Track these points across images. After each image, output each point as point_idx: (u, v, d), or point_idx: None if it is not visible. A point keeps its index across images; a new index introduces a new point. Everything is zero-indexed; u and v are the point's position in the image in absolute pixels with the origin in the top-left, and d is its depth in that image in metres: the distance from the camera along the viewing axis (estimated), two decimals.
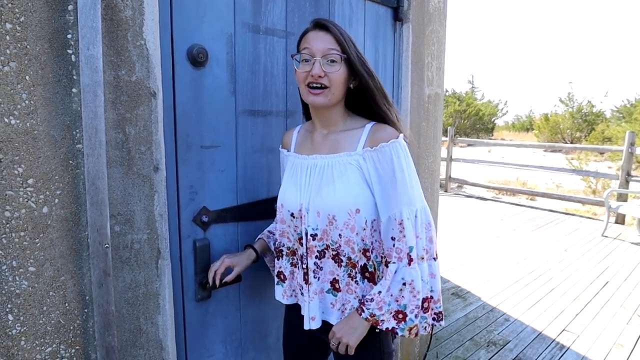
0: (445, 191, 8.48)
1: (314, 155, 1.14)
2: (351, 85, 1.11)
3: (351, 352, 1.10)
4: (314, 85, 1.05)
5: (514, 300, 3.35)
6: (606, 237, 5.20)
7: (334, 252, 1.12)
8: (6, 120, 0.91)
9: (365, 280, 1.13)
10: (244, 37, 1.26)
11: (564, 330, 2.87)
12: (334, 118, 1.14)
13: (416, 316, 1.05)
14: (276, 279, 1.26)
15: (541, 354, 2.57)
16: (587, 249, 4.73)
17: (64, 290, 1.03)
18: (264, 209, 1.38)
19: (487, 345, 2.65)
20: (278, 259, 1.26)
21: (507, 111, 31.15)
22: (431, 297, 1.09)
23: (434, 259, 1.10)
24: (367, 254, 1.12)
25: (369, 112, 1.14)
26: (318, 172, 1.11)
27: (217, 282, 1.20)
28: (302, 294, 1.18)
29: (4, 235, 0.93)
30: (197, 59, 1.15)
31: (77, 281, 1.04)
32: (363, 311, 1.07)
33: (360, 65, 1.07)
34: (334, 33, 1.05)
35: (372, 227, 1.11)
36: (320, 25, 1.07)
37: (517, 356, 2.53)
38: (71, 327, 1.05)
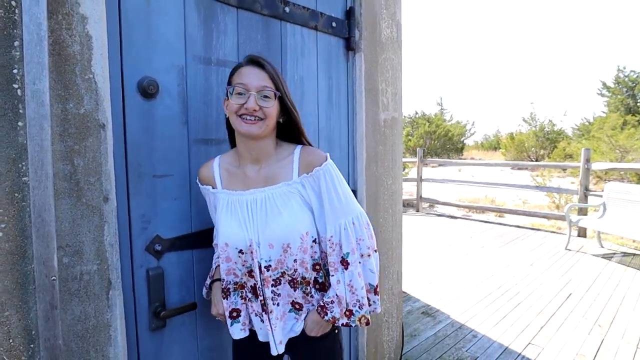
0: (417, 211, 8.63)
1: (251, 190, 1.17)
2: (280, 120, 1.18)
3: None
4: (248, 117, 1.10)
5: (482, 316, 3.42)
6: (569, 250, 5.40)
7: (290, 278, 1.19)
8: None
9: (318, 292, 1.24)
10: (195, 69, 1.31)
11: (529, 344, 2.94)
12: (265, 149, 1.18)
13: (360, 308, 1.17)
14: (229, 321, 1.23)
15: None
16: (552, 262, 4.89)
17: (8, 326, 1.00)
18: None
19: None
20: (226, 299, 1.22)
21: (474, 131, 32.29)
22: (377, 286, 1.21)
23: (375, 251, 1.22)
24: (317, 267, 1.22)
25: (296, 138, 1.24)
26: (260, 205, 1.15)
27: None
28: (262, 321, 1.21)
29: None
30: (148, 90, 1.18)
31: (22, 315, 1.02)
32: (326, 314, 1.18)
33: (289, 102, 1.16)
34: (268, 71, 1.12)
35: (318, 242, 1.21)
36: (255, 62, 1.13)
37: None
38: None
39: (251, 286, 1.20)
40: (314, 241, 1.19)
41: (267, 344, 1.22)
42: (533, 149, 18.80)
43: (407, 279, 4.35)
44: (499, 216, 8.19)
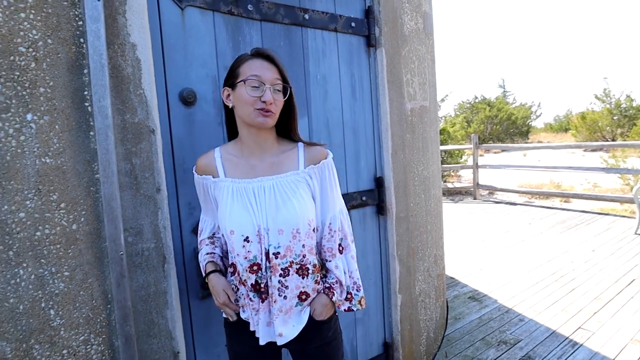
0: (475, 198, 8.42)
1: (258, 178, 1.20)
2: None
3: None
4: (268, 109, 1.14)
5: (532, 301, 3.38)
6: (639, 235, 5.05)
7: (298, 266, 1.21)
8: (43, 159, 1.21)
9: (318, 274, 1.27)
10: None
11: (579, 328, 2.88)
12: (270, 139, 1.24)
13: (358, 290, 1.29)
14: (261, 295, 1.22)
15: (552, 351, 2.61)
16: (617, 247, 4.63)
17: (91, 290, 1.30)
18: None
19: (498, 345, 2.72)
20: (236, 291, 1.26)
21: (540, 113, 30.15)
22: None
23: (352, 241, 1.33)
24: (315, 253, 1.28)
25: (287, 132, 1.30)
26: (269, 192, 1.18)
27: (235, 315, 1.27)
28: (257, 311, 1.22)
29: (45, 247, 1.22)
30: (188, 99, 1.43)
31: (100, 282, 1.31)
32: (333, 294, 1.26)
33: (292, 94, 1.23)
34: (278, 65, 1.18)
35: (315, 231, 1.27)
36: (266, 56, 1.18)
37: (526, 354, 2.59)
38: (98, 320, 1.32)
39: (251, 284, 1.20)
40: (314, 230, 1.24)
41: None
42: (608, 128, 17.28)
43: (457, 265, 4.36)
44: (565, 201, 7.76)
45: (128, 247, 1.34)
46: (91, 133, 1.27)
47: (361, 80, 1.96)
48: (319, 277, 1.28)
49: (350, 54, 1.91)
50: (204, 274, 1.30)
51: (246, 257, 1.19)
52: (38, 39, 1.19)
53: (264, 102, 1.13)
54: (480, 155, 8.79)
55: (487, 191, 8.98)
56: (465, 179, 11.32)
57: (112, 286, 1.30)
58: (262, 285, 1.20)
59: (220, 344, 1.58)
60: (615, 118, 17.19)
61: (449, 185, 9.25)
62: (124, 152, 1.32)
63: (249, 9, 1.55)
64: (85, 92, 1.26)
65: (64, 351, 1.27)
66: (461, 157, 11.28)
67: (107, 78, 1.24)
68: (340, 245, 1.28)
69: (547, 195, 7.84)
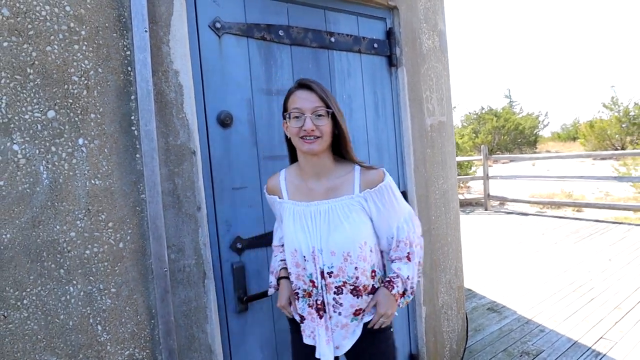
0: (486, 209, 8.41)
1: (315, 202, 1.29)
2: (336, 132, 1.29)
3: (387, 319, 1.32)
4: (307, 137, 1.23)
5: (551, 311, 3.38)
6: None
7: (352, 287, 1.28)
8: (93, 181, 1.28)
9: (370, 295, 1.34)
10: (260, 100, 1.61)
11: (601, 338, 2.88)
12: (325, 164, 1.30)
13: (411, 294, 1.36)
14: (318, 312, 1.32)
15: None
16: (634, 257, 4.60)
17: (136, 306, 1.35)
18: None
19: (520, 356, 2.73)
20: (297, 300, 1.36)
21: (548, 122, 30.10)
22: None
23: (421, 236, 1.40)
24: (373, 274, 1.34)
25: (341, 152, 1.34)
26: (323, 216, 1.27)
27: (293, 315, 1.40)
28: (322, 328, 1.31)
29: (93, 265, 1.28)
30: (225, 121, 1.50)
31: (145, 298, 1.36)
32: (393, 287, 1.31)
33: (340, 116, 1.28)
34: (317, 92, 1.24)
35: (376, 249, 1.36)
36: (304, 85, 1.26)
37: None
38: (142, 335, 1.37)
39: (315, 299, 1.31)
40: (371, 250, 1.31)
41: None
42: (617, 136, 17.22)
43: (473, 276, 4.37)
44: (577, 211, 7.73)
45: (171, 263, 1.40)
46: (137, 155, 1.34)
47: (384, 98, 2.03)
48: (368, 295, 1.34)
49: (374, 73, 1.98)
50: (275, 277, 1.45)
51: (300, 277, 1.33)
52: (90, 68, 1.27)
53: (304, 130, 1.22)
54: (489, 166, 8.80)
55: (498, 202, 8.97)
56: (474, 190, 11.31)
57: (157, 302, 1.36)
58: (319, 303, 1.30)
59: (254, 358, 1.62)
60: (624, 126, 17.14)
61: (460, 196, 9.25)
62: (167, 172, 1.39)
63: (280, 34, 1.63)
64: (132, 117, 1.33)
65: None
66: (470, 168, 11.30)
67: (153, 103, 1.32)
68: (409, 254, 1.33)
69: (559, 205, 7.81)
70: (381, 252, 1.41)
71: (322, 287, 1.28)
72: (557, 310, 3.40)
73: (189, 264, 1.43)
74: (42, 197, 1.20)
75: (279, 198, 1.37)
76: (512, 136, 21.12)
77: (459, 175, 10.61)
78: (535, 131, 22.96)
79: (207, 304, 1.46)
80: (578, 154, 8.07)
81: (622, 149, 16.73)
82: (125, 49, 1.32)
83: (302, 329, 1.37)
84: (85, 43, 1.26)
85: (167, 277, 1.35)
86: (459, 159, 10.23)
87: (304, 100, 1.24)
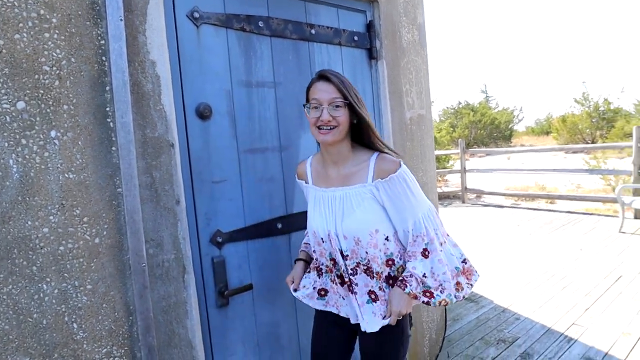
0: (463, 202, 8.58)
1: (332, 189, 1.37)
2: (354, 121, 1.34)
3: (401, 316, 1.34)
4: (323, 127, 1.29)
5: (526, 300, 3.48)
6: (623, 232, 5.23)
7: (365, 267, 1.35)
8: (66, 175, 1.23)
9: (390, 286, 1.36)
10: (239, 92, 1.58)
11: (573, 324, 2.99)
12: (342, 152, 1.36)
13: (442, 291, 1.32)
14: (316, 295, 1.48)
15: (549, 347, 2.70)
16: (603, 246, 4.79)
17: (113, 303, 1.32)
18: (267, 229, 1.66)
19: (497, 343, 2.80)
20: (319, 277, 1.47)
21: (523, 117, 30.88)
22: (462, 268, 1.36)
23: (447, 235, 1.39)
24: (389, 262, 1.36)
25: (364, 141, 1.39)
26: (338, 202, 1.34)
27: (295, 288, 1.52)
28: (343, 298, 1.43)
29: (68, 262, 1.25)
30: (204, 113, 1.47)
31: (123, 295, 1.33)
32: (406, 286, 1.30)
33: (357, 106, 1.31)
34: (335, 83, 1.29)
35: (395, 238, 1.36)
36: (323, 76, 1.32)
37: (525, 351, 2.68)
38: (120, 332, 1.34)
39: (336, 274, 1.40)
40: (387, 239, 1.33)
41: (347, 319, 1.43)
42: (588, 130, 17.80)
43: None
44: (550, 203, 7.97)
45: (149, 258, 1.37)
46: (113, 148, 1.30)
47: (364, 91, 2.03)
48: (381, 284, 1.36)
49: (354, 66, 1.98)
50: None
51: (322, 254, 1.43)
52: (62, 57, 1.22)
53: (321, 120, 1.29)
54: (466, 160, 8.97)
55: (475, 195, 9.16)
56: (452, 183, 11.51)
57: (135, 298, 1.33)
58: (347, 279, 1.38)
59: (236, 352, 1.61)
60: (594, 121, 17.73)
61: (438, 189, 9.40)
62: (145, 166, 1.35)
63: (260, 25, 1.61)
64: (108, 109, 1.29)
65: None
66: (448, 162, 11.49)
67: (129, 95, 1.28)
68: (425, 249, 1.31)
69: (534, 197, 8.04)
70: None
71: (343, 265, 1.37)
72: (531, 298, 3.51)
73: (168, 258, 1.40)
74: (12, 191, 1.16)
75: (305, 183, 1.48)
76: (488, 130, 21.55)
77: (437, 168, 10.77)
78: (510, 125, 23.48)
79: (187, 299, 1.44)
80: (551, 147, 8.32)
81: (593, 142, 17.31)
82: (99, 38, 1.27)
83: (326, 300, 1.48)
84: (57, 31, 1.21)
85: (145, 273, 1.33)
86: (437, 152, 10.38)
87: (322, 92, 1.29)
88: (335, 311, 1.47)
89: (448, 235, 1.39)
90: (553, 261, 4.41)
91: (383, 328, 1.35)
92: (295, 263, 1.58)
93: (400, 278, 1.32)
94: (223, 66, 1.54)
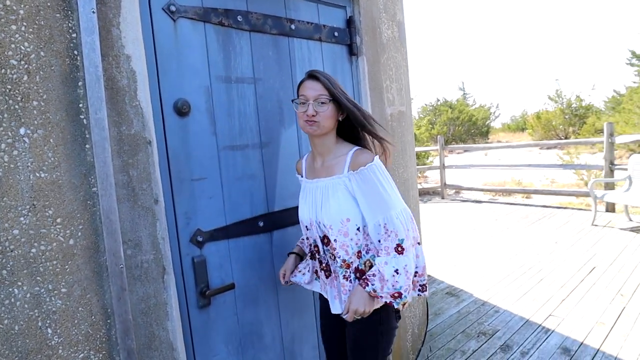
0: (442, 198, 8.70)
1: (316, 180, 1.47)
2: (340, 118, 1.45)
3: (366, 315, 1.35)
4: (311, 120, 1.38)
5: (505, 293, 3.55)
6: (596, 225, 5.40)
7: (341, 243, 1.41)
8: (37, 174, 1.18)
9: (357, 279, 1.40)
10: (218, 88, 1.55)
11: (550, 315, 3.06)
12: (327, 144, 1.46)
13: (408, 293, 1.34)
14: (315, 276, 1.60)
15: (527, 338, 2.76)
16: (577, 239, 4.93)
17: (90, 306, 1.28)
18: (248, 227, 1.64)
19: (478, 336, 2.85)
20: (313, 259, 1.57)
21: (499, 114, 31.53)
22: (416, 272, 1.41)
23: (419, 243, 1.42)
24: (359, 254, 1.40)
25: (356, 135, 1.48)
26: (320, 192, 1.44)
27: (286, 280, 1.61)
28: (325, 284, 1.52)
29: (41, 265, 1.20)
30: (182, 110, 1.43)
31: (100, 297, 1.29)
32: (367, 285, 1.33)
33: (345, 102, 1.40)
34: (322, 81, 1.40)
35: (364, 232, 1.40)
36: (312, 76, 1.42)
37: (504, 343, 2.73)
38: (98, 336, 1.29)
39: (319, 259, 1.52)
40: (358, 229, 1.38)
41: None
42: (561, 126, 18.31)
43: (432, 262, 4.51)
44: (526, 197, 8.17)
45: (127, 259, 1.33)
46: (87, 146, 1.25)
47: (344, 87, 2.02)
48: (349, 274, 1.41)
49: (334, 62, 1.96)
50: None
51: (308, 241, 1.54)
52: (30, 51, 1.16)
53: (307, 115, 1.38)
54: (445, 156, 9.10)
55: (454, 191, 9.30)
56: (431, 179, 11.66)
57: (113, 300, 1.29)
58: (324, 264, 1.49)
59: (219, 353, 1.58)
60: (567, 117, 18.24)
61: (418, 186, 9.50)
62: (121, 164, 1.31)
63: (239, 19, 1.58)
64: (81, 105, 1.24)
65: None
66: (427, 159, 11.62)
67: (103, 90, 1.23)
68: (399, 245, 1.32)
69: (510, 192, 8.23)
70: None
71: (324, 251, 1.46)
72: (510, 291, 3.58)
73: (146, 259, 1.36)
74: None
75: (300, 177, 1.59)
76: (466, 127, 21.91)
77: (416, 165, 10.89)
78: (487, 122, 23.94)
79: (167, 300, 1.40)
80: (526, 143, 8.50)
81: (566, 138, 17.82)
82: (70, 31, 1.22)
83: (320, 284, 1.57)
84: (24, 23, 1.15)
85: (123, 274, 1.29)
86: (416, 149, 10.49)
87: (309, 89, 1.40)
88: (325, 295, 1.55)
89: (419, 243, 1.42)
90: (529, 254, 4.52)
91: (361, 318, 1.38)
92: (287, 256, 1.66)
93: (364, 276, 1.35)
94: (201, 61, 1.50)
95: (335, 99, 1.40)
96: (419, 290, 1.46)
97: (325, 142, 1.46)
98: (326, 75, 1.42)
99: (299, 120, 1.44)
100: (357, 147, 1.43)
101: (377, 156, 1.41)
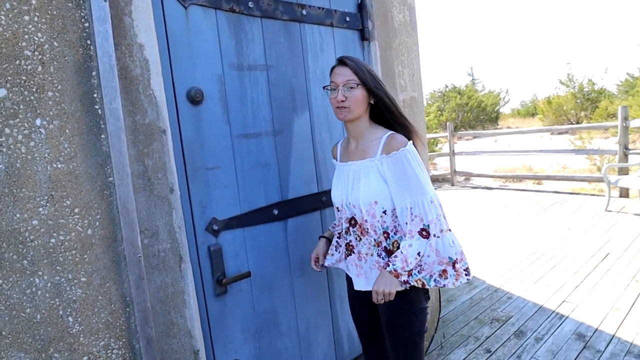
0: (452, 185, 8.65)
1: (349, 163, 1.50)
2: (372, 102, 1.45)
3: (392, 297, 1.38)
4: (341, 106, 1.41)
5: (518, 279, 3.54)
6: (610, 211, 5.33)
7: (367, 236, 1.46)
8: (55, 165, 1.19)
9: (387, 256, 1.45)
10: (231, 75, 1.54)
11: (563, 301, 3.05)
12: (360, 128, 1.47)
13: (431, 277, 1.38)
14: (343, 257, 1.60)
15: (541, 324, 2.75)
16: (590, 224, 4.87)
17: (109, 295, 1.29)
18: (263, 215, 1.64)
19: (491, 322, 2.85)
20: (347, 235, 1.57)
21: (509, 99, 31.06)
22: (455, 259, 1.38)
23: (449, 230, 1.40)
24: (385, 234, 1.44)
25: (387, 120, 1.49)
26: (352, 175, 1.47)
27: (320, 265, 1.66)
28: (352, 265, 1.55)
29: (60, 254, 1.21)
30: (195, 98, 1.43)
31: (119, 286, 1.30)
32: (388, 266, 1.37)
33: (375, 87, 1.42)
34: (351, 66, 1.41)
35: (393, 214, 1.42)
36: (341, 61, 1.44)
37: (518, 329, 2.72)
38: (117, 324, 1.31)
39: (345, 243, 1.56)
40: (384, 212, 1.41)
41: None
42: (572, 111, 18.00)
43: None
44: (538, 183, 8.08)
45: (145, 249, 1.33)
46: (102, 136, 1.25)
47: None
48: (380, 252, 1.44)
49: (346, 48, 1.94)
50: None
51: (340, 222, 1.57)
52: (44, 42, 1.16)
53: (337, 100, 1.41)
54: (454, 143, 9.01)
55: (464, 177, 9.23)
56: (440, 166, 11.58)
57: (132, 289, 1.30)
58: (349, 244, 1.54)
59: (235, 340, 1.60)
60: (578, 102, 17.92)
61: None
62: (136, 153, 1.31)
63: (250, 6, 1.55)
64: (95, 95, 1.24)
65: (85, 358, 1.26)
66: (436, 145, 11.54)
67: (117, 80, 1.23)
68: (424, 230, 1.35)
69: (521, 178, 8.14)
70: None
71: (350, 232, 1.51)
72: (522, 277, 3.56)
73: (163, 248, 1.37)
74: None
75: (335, 160, 1.61)
76: (475, 113, 21.65)
77: None
78: (496, 108, 23.62)
79: (185, 289, 1.42)
80: (537, 129, 8.39)
81: (577, 123, 17.53)
82: (83, 20, 1.21)
83: (347, 263, 1.59)
84: (37, 14, 1.15)
85: (141, 263, 1.29)
86: (427, 136, 10.40)
87: (338, 75, 1.42)
88: (348, 273, 1.60)
89: (450, 230, 1.40)
90: (542, 241, 4.48)
91: (390, 301, 1.40)
92: (319, 240, 1.70)
93: (387, 260, 1.39)
94: (213, 49, 1.49)
95: (364, 84, 1.40)
96: (465, 274, 1.41)
97: (358, 127, 1.47)
98: (355, 60, 1.43)
99: (332, 107, 1.47)
100: (390, 132, 1.43)
101: (411, 142, 1.41)
